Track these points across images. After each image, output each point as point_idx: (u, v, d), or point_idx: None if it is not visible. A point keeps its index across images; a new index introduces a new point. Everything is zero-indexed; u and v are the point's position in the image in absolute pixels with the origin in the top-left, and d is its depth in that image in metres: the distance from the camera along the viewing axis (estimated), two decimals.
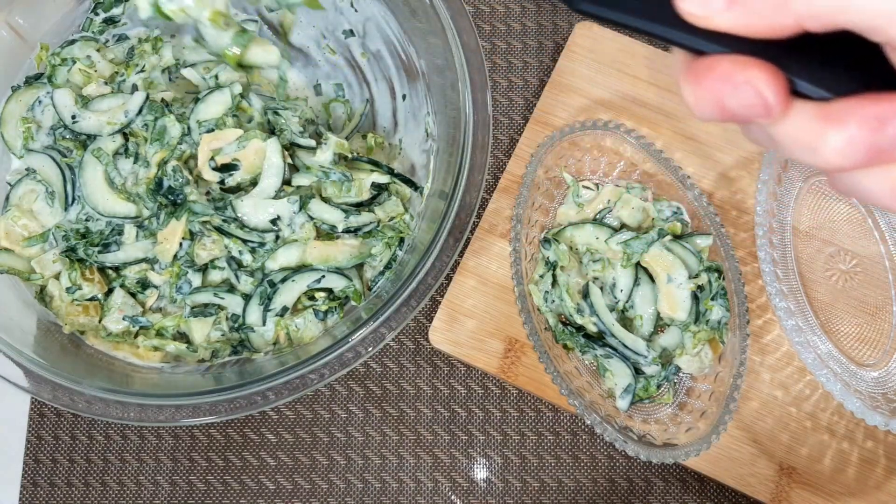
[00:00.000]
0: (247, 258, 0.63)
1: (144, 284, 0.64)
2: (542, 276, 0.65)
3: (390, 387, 0.70)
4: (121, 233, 0.64)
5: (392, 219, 0.65)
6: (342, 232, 0.64)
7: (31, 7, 0.67)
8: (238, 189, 0.64)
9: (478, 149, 0.61)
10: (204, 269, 0.64)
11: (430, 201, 0.64)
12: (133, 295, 0.64)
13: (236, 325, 0.64)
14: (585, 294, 0.64)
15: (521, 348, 0.67)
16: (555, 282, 0.65)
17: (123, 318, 0.63)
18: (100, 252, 0.63)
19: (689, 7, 0.29)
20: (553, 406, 0.69)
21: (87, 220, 0.64)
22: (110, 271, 0.65)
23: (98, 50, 0.69)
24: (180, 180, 0.63)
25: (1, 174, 0.67)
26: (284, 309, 0.63)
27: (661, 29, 0.30)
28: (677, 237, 0.65)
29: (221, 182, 0.63)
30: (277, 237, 0.63)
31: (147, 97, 0.64)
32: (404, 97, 0.70)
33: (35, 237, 0.64)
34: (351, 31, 0.71)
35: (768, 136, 0.30)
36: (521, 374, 0.66)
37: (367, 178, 0.64)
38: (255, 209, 0.62)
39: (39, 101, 0.67)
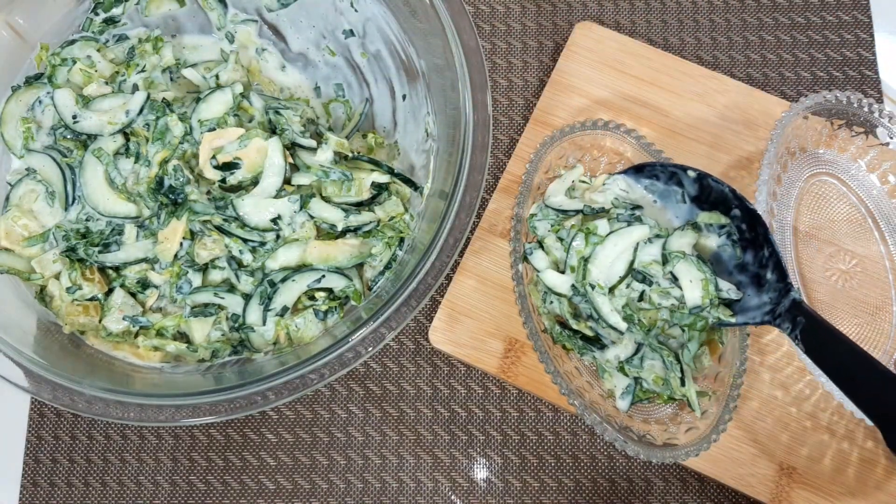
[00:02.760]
0: (247, 258, 0.63)
1: (145, 284, 0.64)
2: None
3: (390, 387, 0.70)
4: (121, 233, 0.64)
5: (392, 218, 0.65)
6: (342, 231, 0.64)
7: (31, 7, 0.67)
8: (239, 188, 0.64)
9: (478, 149, 0.61)
10: (204, 269, 0.64)
11: (430, 201, 0.64)
12: (133, 295, 0.64)
13: (236, 325, 0.64)
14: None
15: (521, 348, 0.67)
16: None
17: (123, 318, 0.63)
18: (100, 252, 0.63)
19: None
20: (553, 406, 0.69)
21: (87, 219, 0.64)
22: (110, 271, 0.65)
23: (98, 50, 0.69)
24: (181, 179, 0.63)
25: (1, 174, 0.67)
26: (284, 309, 0.63)
27: None
28: None
29: (223, 181, 0.63)
30: (278, 236, 0.63)
31: (148, 97, 0.64)
32: (404, 97, 0.70)
33: (35, 237, 0.64)
34: (351, 31, 0.72)
35: None
36: (521, 374, 0.66)
37: (368, 178, 0.64)
38: (255, 208, 0.62)
39: (40, 101, 0.67)
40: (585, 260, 0.62)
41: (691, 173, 0.61)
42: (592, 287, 0.61)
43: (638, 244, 0.62)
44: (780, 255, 0.57)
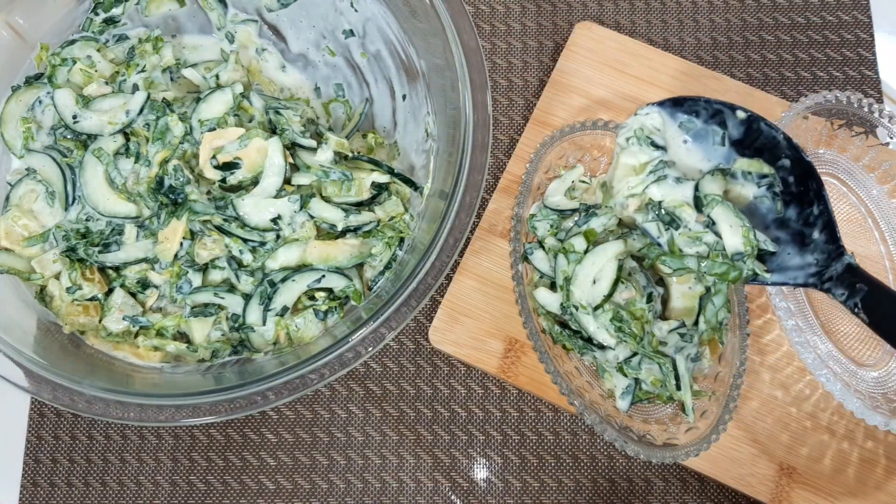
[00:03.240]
0: (247, 257, 0.63)
1: (145, 284, 0.64)
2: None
3: (390, 387, 0.70)
4: (121, 233, 0.64)
5: (392, 218, 0.65)
6: (342, 231, 0.64)
7: (31, 7, 0.67)
8: (239, 188, 0.64)
9: (478, 149, 0.61)
10: (204, 269, 0.64)
11: (430, 201, 0.64)
12: (133, 295, 0.64)
13: (236, 325, 0.64)
14: None
15: (521, 348, 0.67)
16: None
17: (123, 318, 0.63)
18: (100, 252, 0.64)
19: None
20: (553, 406, 0.69)
21: (87, 219, 0.64)
22: (110, 271, 0.65)
23: (98, 50, 0.69)
24: (181, 179, 0.63)
25: (1, 174, 0.67)
26: (284, 309, 0.63)
27: None
28: None
29: (223, 181, 0.63)
30: (278, 236, 0.63)
31: (148, 97, 0.64)
32: (404, 97, 0.70)
33: (35, 237, 0.64)
34: (351, 31, 0.72)
35: None
36: (521, 374, 0.66)
37: (368, 178, 0.64)
38: (255, 208, 0.62)
39: (40, 101, 0.67)
40: (568, 280, 0.62)
41: (740, 114, 0.55)
42: (577, 308, 0.61)
43: (622, 262, 0.61)
44: (832, 214, 0.52)
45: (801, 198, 0.54)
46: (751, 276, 0.55)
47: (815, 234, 0.53)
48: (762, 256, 0.56)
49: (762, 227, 0.56)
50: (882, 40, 0.78)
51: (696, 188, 0.56)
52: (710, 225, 0.55)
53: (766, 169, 0.55)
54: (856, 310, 0.51)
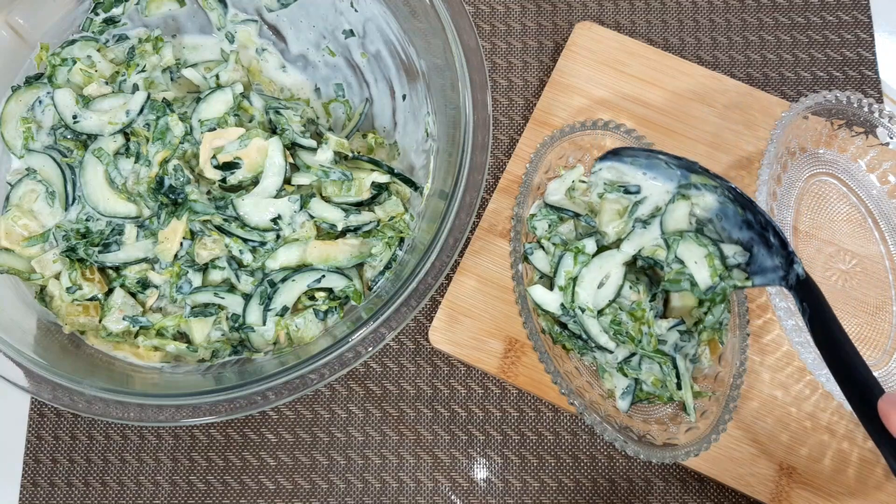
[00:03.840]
0: (247, 257, 0.63)
1: (145, 284, 0.64)
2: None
3: (390, 387, 0.70)
4: (121, 232, 0.64)
5: (392, 218, 0.65)
6: (342, 231, 0.64)
7: (31, 7, 0.67)
8: (239, 188, 0.64)
9: (478, 149, 0.61)
10: (204, 269, 0.64)
11: (430, 201, 0.64)
12: (133, 295, 0.64)
13: (236, 325, 0.64)
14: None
15: (521, 348, 0.67)
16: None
17: (123, 318, 0.63)
18: (100, 252, 0.64)
19: None
20: (553, 406, 0.69)
21: (87, 219, 0.64)
22: (110, 271, 0.65)
23: (98, 50, 0.69)
24: (182, 179, 0.63)
25: (1, 174, 0.67)
26: (284, 309, 0.63)
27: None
28: None
29: (223, 180, 0.63)
30: (278, 236, 0.64)
31: (148, 97, 0.64)
32: (404, 97, 0.70)
33: (35, 237, 0.64)
34: (351, 31, 0.72)
35: None
36: (521, 374, 0.66)
37: (368, 178, 0.64)
38: (255, 208, 0.62)
39: (40, 101, 0.67)
40: (573, 280, 0.62)
41: (661, 156, 0.60)
42: (582, 310, 0.61)
43: (626, 271, 0.62)
44: (774, 222, 0.55)
45: (745, 207, 0.57)
46: (736, 288, 0.58)
47: (772, 238, 0.56)
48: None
49: (737, 227, 0.58)
50: (882, 40, 0.78)
51: (662, 230, 0.60)
52: (681, 262, 0.60)
53: (713, 182, 0.59)
54: (807, 325, 0.54)
